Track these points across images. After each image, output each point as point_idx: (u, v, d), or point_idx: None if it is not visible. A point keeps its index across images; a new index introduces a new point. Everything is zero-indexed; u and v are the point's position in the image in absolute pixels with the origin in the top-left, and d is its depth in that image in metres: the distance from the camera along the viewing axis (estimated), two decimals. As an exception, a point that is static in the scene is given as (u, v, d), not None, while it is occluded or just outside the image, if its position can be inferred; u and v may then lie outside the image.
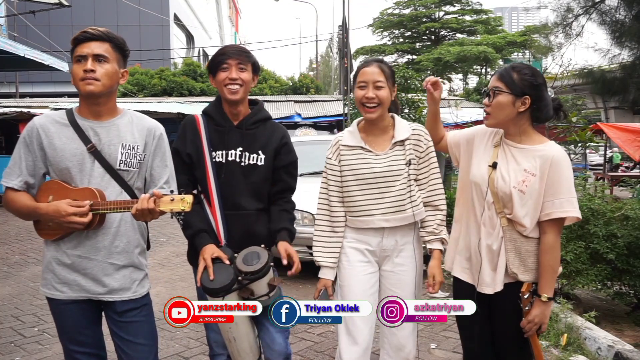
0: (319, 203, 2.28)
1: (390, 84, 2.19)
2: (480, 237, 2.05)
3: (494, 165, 2.03)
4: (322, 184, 2.28)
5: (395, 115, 2.31)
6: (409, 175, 2.18)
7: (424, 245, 2.28)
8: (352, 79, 2.29)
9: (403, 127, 2.25)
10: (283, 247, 2.13)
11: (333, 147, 2.28)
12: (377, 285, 2.26)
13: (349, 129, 2.30)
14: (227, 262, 2.00)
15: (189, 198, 1.75)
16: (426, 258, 2.30)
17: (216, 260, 2.01)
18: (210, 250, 2.03)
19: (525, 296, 1.96)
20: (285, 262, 2.07)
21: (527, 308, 1.96)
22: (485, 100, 2.03)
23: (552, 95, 2.09)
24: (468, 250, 2.12)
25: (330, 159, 2.27)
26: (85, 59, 1.84)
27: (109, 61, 1.87)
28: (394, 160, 2.18)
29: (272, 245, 2.19)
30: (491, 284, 2.02)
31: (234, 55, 2.14)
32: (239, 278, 1.95)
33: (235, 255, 2.03)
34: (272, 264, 2.00)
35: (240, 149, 2.17)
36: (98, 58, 1.85)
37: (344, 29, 15.95)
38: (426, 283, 2.24)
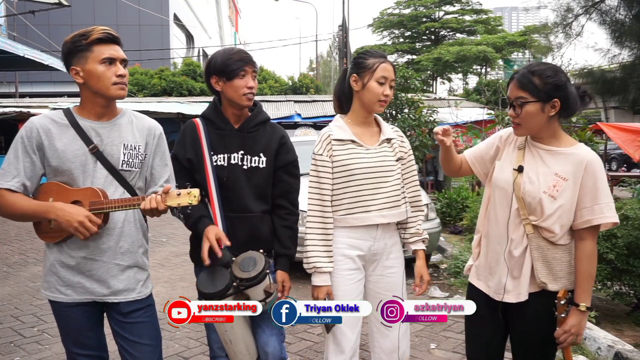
0: (310, 204, 2.18)
1: None
2: (505, 245, 1.94)
3: (519, 169, 1.91)
4: (312, 182, 2.17)
5: (375, 114, 2.30)
6: (400, 171, 2.22)
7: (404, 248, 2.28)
8: (363, 67, 2.16)
9: (387, 127, 2.29)
10: (281, 277, 2.18)
11: (323, 142, 2.17)
12: (363, 290, 2.23)
13: (336, 124, 2.23)
14: (228, 242, 2.02)
15: (196, 191, 1.74)
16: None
17: (213, 264, 2.00)
18: (214, 230, 2.04)
19: (562, 302, 1.82)
20: (280, 295, 2.11)
21: (562, 315, 1.82)
22: (511, 112, 1.90)
23: (573, 84, 1.91)
24: (489, 258, 2.02)
25: (320, 155, 2.16)
26: (114, 62, 1.84)
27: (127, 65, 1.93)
28: (385, 155, 2.19)
29: (273, 249, 2.22)
30: (514, 292, 1.91)
31: (250, 62, 2.13)
32: (235, 284, 1.94)
33: (233, 259, 2.02)
34: (268, 270, 1.98)
35: (242, 152, 2.17)
36: (125, 63, 1.89)
37: (344, 29, 15.96)
38: (413, 284, 2.23)
